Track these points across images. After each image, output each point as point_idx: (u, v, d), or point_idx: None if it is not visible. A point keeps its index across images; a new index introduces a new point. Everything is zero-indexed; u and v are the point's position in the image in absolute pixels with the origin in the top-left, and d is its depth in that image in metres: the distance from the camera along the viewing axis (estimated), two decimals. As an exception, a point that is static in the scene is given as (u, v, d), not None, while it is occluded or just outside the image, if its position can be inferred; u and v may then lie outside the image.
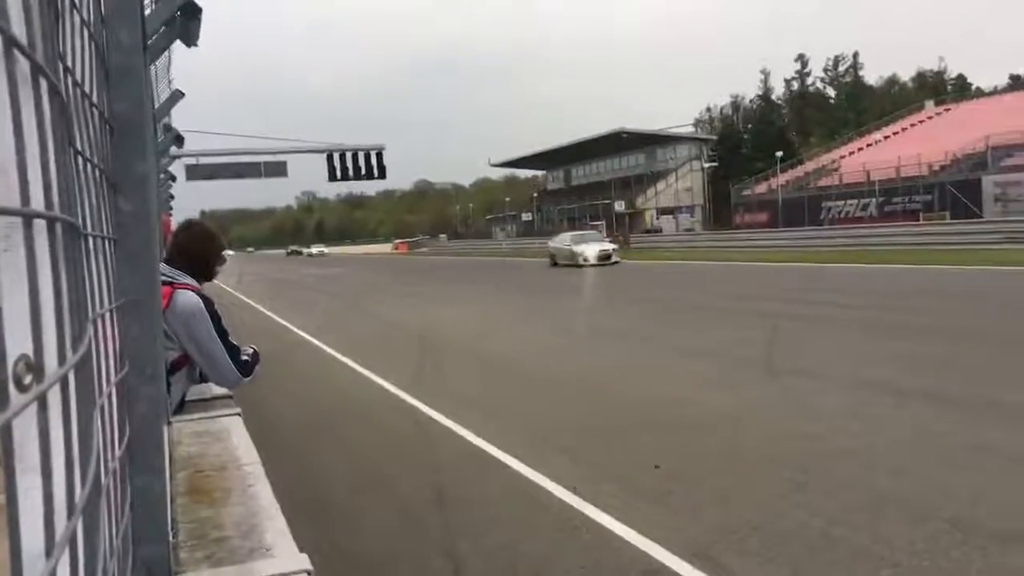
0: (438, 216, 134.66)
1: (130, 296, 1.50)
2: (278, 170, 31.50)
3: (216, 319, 3.41)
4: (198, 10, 5.83)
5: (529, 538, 4.67)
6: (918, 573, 3.81)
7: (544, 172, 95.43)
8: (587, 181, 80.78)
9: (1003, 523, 4.27)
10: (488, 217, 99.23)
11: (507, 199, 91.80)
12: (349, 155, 30.77)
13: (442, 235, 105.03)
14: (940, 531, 4.22)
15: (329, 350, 13.13)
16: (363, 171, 30.95)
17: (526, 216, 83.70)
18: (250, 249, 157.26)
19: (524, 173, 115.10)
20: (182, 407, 3.30)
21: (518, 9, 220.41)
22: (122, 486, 1.29)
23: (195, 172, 29.17)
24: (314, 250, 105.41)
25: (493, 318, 17.18)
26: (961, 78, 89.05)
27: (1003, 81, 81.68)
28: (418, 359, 11.45)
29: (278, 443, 7.12)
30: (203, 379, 3.58)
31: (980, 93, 70.98)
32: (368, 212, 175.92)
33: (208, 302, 3.43)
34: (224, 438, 2.73)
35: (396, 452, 6.90)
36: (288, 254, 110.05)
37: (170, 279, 3.35)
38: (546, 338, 13.40)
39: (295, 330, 16.40)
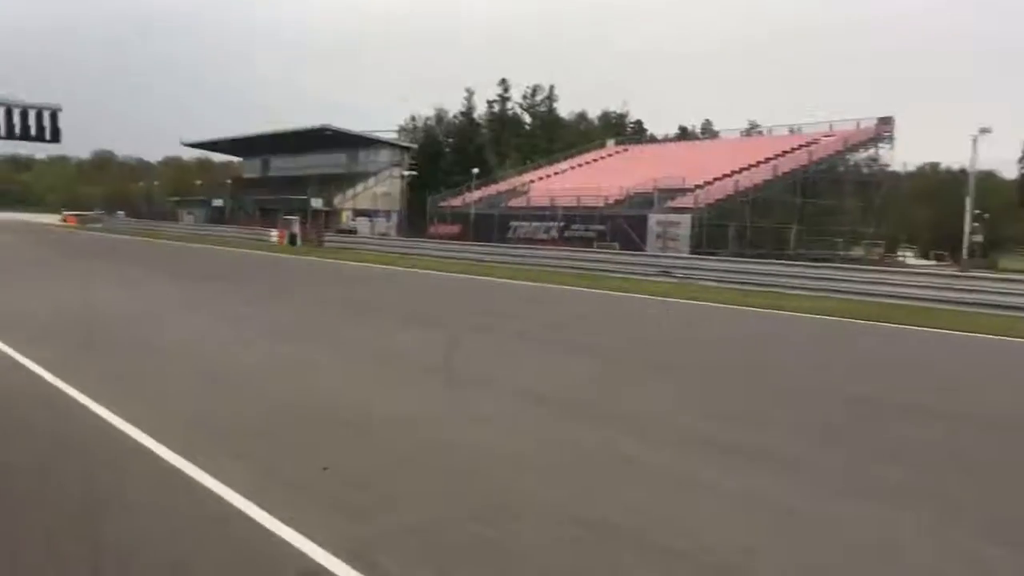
0: (118, 191, 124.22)
1: None
2: (-75, 118, 27.46)
3: None
4: None
5: (177, 535, 4.52)
6: (559, 572, 4.22)
7: (241, 159, 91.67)
8: (286, 174, 78.75)
9: (630, 519, 4.84)
10: (175, 199, 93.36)
11: (198, 182, 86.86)
12: (17, 111, 27.50)
13: (120, 212, 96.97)
14: (579, 533, 4.67)
15: None
16: (33, 132, 27.82)
17: (217, 202, 79.81)
18: None
19: (220, 158, 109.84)
20: None
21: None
22: None
23: None
24: None
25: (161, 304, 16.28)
26: (639, 123, 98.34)
27: (673, 131, 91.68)
28: (78, 344, 10.58)
29: None
30: None
31: (653, 139, 78.87)
32: (35, 176, 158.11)
33: None
34: None
35: (39, 453, 6.30)
36: None
37: None
38: (216, 329, 12.94)
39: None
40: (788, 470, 6.14)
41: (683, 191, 46.11)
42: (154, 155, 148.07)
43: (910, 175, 62.44)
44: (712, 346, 13.95)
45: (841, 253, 46.62)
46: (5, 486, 5.33)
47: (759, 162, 49.80)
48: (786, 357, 13.16)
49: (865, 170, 54.30)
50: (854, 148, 51.92)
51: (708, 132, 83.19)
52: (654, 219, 43.58)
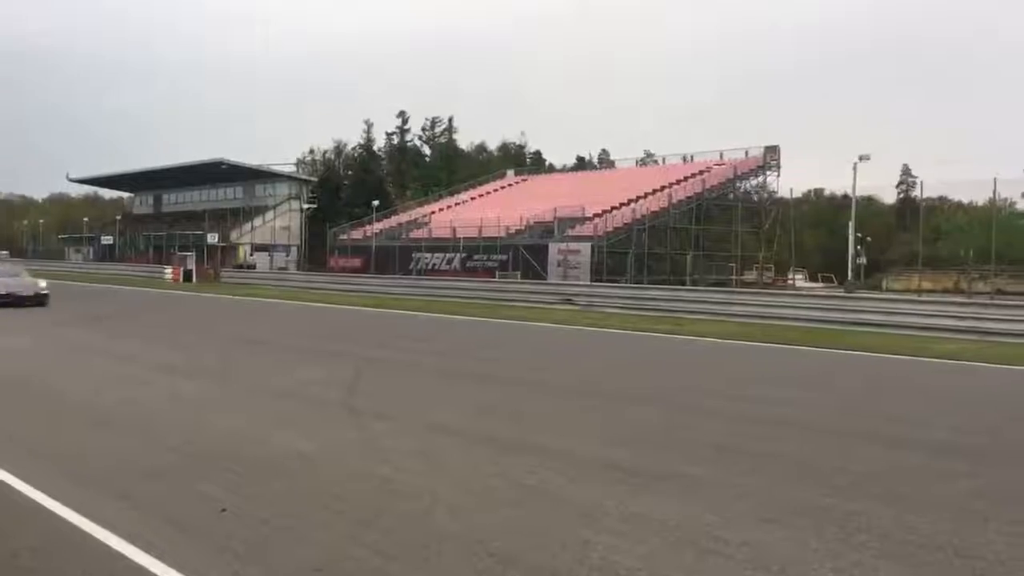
0: (2, 229, 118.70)
1: None
2: None
3: None
4: None
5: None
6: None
7: (131, 195, 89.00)
8: (180, 209, 76.97)
9: (536, 556, 4.86)
10: (62, 236, 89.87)
11: (86, 219, 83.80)
12: None
13: (3, 251, 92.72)
14: (487, 566, 4.66)
15: None
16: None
17: (107, 239, 77.14)
18: None
19: (110, 194, 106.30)
20: None
21: (122, 9, 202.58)
22: None
23: None
24: None
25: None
26: (538, 153, 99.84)
27: (571, 161, 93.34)
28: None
29: None
30: None
31: (552, 169, 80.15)
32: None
33: None
34: None
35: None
36: None
37: None
38: (106, 369, 12.47)
39: None
40: (689, 490, 6.28)
41: (582, 220, 46.92)
42: (39, 192, 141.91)
43: (797, 201, 65.04)
44: (614, 372, 14.18)
45: (735, 277, 48.19)
46: None
47: (655, 190, 51.13)
48: (691, 379, 13.47)
49: (755, 197, 56.45)
50: (744, 176, 53.93)
51: (605, 162, 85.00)
52: (555, 248, 44.16)
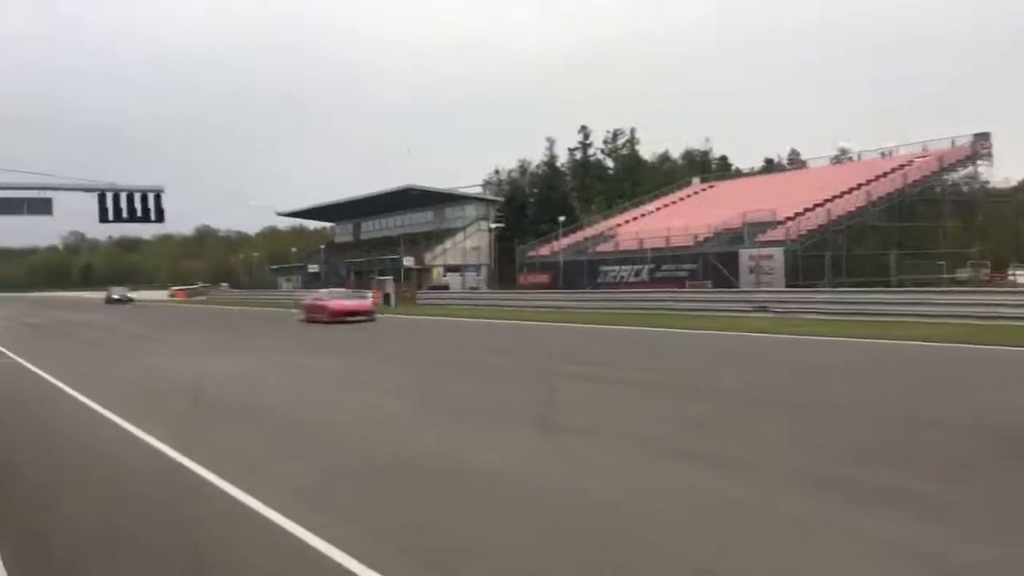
0: (220, 263, 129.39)
1: None
2: (42, 208, 29.04)
3: None
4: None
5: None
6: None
7: (333, 224, 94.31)
8: (376, 235, 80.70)
9: (747, 571, 4.64)
10: (273, 267, 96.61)
11: (293, 250, 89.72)
12: (124, 196, 28.99)
13: (223, 283, 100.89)
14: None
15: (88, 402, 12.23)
16: (139, 213, 29.26)
17: (313, 268, 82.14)
18: None
19: (313, 224, 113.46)
20: None
21: (310, 56, 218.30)
22: None
23: (-61, 207, 26.42)
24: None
25: (263, 369, 16.67)
26: (724, 158, 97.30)
27: (759, 164, 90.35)
28: (183, 411, 10.90)
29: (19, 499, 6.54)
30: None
31: (739, 173, 77.77)
32: (144, 256, 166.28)
33: None
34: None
35: (152, 509, 6.47)
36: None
37: None
38: (316, 389, 13.17)
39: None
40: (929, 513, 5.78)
41: (773, 224, 45.25)
42: (252, 227, 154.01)
43: (1015, 190, 59.73)
44: (818, 381, 13.45)
45: (946, 276, 44.77)
46: (128, 529, 5.49)
47: (851, 188, 48.52)
48: (904, 387, 12.55)
49: (964, 188, 52.31)
50: (951, 167, 50.03)
51: (795, 162, 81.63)
52: (745, 254, 42.78)
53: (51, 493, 7.14)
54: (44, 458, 8.77)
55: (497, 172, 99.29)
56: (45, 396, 13.53)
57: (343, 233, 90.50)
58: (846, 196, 47.32)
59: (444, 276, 65.85)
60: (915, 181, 47.61)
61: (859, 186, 48.47)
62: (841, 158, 68.52)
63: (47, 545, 5.69)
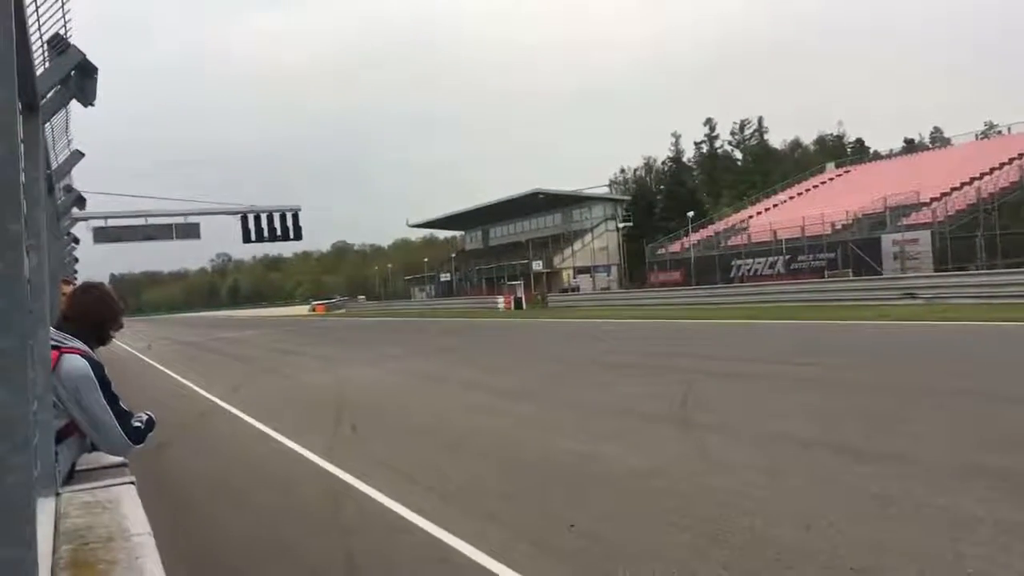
0: (356, 277, 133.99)
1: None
2: (191, 232, 30.82)
3: (106, 384, 3.29)
4: (93, 69, 5.70)
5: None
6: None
7: (462, 233, 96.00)
8: (505, 241, 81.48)
9: (903, 571, 4.37)
10: (407, 278, 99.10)
11: (425, 260, 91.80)
12: (264, 216, 30.44)
13: (360, 296, 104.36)
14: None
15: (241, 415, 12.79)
16: (278, 232, 30.65)
17: (444, 276, 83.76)
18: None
19: (443, 234, 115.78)
20: (71, 476, 3.15)
21: (434, 70, 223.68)
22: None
23: (103, 235, 28.42)
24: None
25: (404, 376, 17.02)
26: (859, 142, 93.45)
27: (898, 145, 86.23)
28: (334, 421, 11.23)
29: (183, 511, 6.86)
30: (95, 448, 3.42)
31: (877, 156, 74.49)
32: (285, 274, 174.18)
33: (98, 367, 3.30)
34: (113, 508, 2.61)
35: (304, 518, 6.66)
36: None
37: (57, 343, 3.22)
38: (451, 395, 13.33)
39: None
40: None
41: (918, 206, 43.11)
42: (384, 239, 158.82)
43: None
44: (971, 370, 12.62)
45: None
46: (281, 537, 5.65)
47: (1001, 164, 45.68)
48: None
49: None
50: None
51: (939, 140, 77.55)
52: (889, 239, 40.87)
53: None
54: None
55: (623, 171, 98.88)
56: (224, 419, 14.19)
57: (472, 240, 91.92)
58: (996, 172, 44.59)
59: (574, 278, 65.85)
60: (1075, 151, 44.38)
61: (1010, 161, 45.58)
62: (989, 133, 64.62)
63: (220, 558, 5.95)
